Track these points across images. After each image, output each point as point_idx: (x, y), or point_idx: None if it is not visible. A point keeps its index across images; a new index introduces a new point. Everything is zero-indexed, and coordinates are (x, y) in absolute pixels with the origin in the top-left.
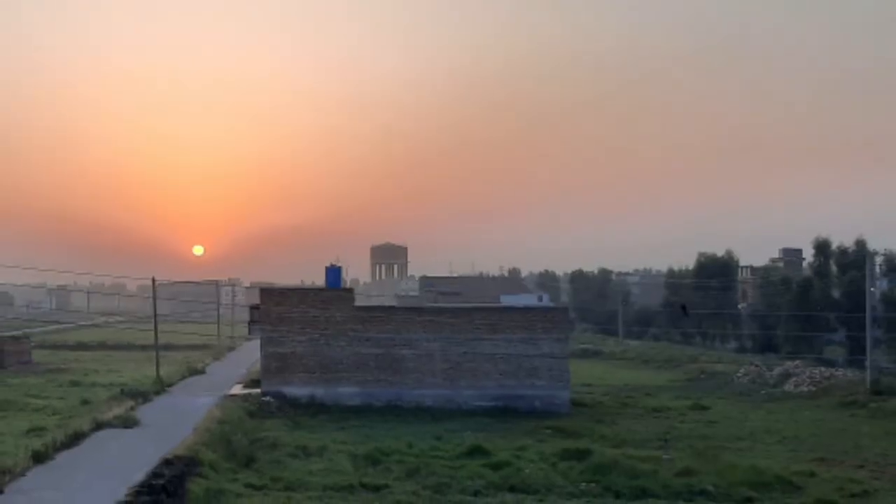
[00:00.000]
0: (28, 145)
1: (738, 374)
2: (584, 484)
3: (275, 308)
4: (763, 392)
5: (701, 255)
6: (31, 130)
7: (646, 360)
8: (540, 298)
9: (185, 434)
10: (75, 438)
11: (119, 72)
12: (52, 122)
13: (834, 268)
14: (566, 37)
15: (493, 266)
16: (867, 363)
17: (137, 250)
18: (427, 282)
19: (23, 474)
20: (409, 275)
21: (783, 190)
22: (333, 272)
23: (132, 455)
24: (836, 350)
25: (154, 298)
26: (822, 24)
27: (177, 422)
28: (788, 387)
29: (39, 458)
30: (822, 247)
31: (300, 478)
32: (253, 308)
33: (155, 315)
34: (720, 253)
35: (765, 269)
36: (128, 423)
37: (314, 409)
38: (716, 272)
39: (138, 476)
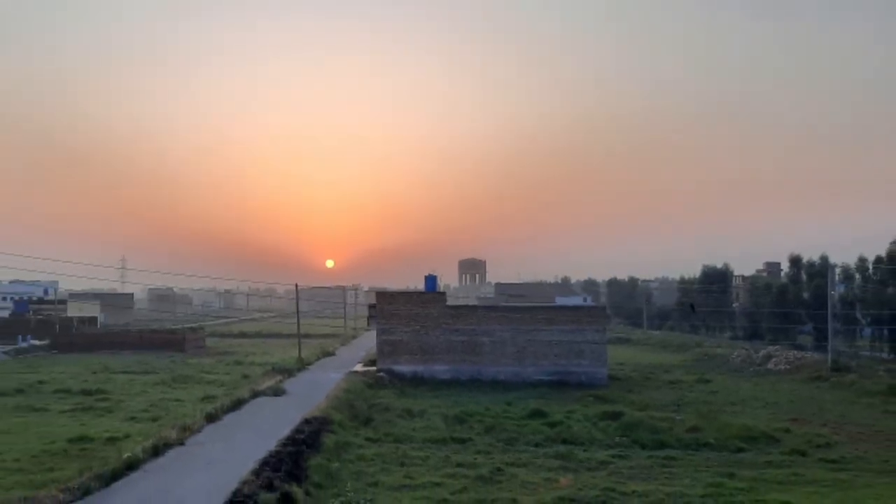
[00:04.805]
0: (204, 184)
1: (733, 356)
2: (617, 438)
3: (387, 306)
4: (751, 369)
5: (705, 266)
6: (206, 174)
7: (664, 345)
8: (585, 299)
9: (320, 400)
10: (238, 404)
11: (273, 129)
12: (223, 168)
13: (804, 276)
14: (604, 104)
15: (550, 275)
16: (829, 348)
17: (285, 263)
18: (501, 287)
19: (199, 430)
20: (487, 281)
21: (766, 217)
22: (430, 279)
23: (280, 416)
24: (805, 338)
25: (297, 299)
26: (795, 93)
27: (314, 391)
28: (770, 365)
29: (211, 418)
30: (795, 261)
31: (406, 433)
32: (370, 306)
33: (297, 311)
34: (719, 265)
35: (752, 277)
36: (277, 392)
37: (416, 382)
38: (716, 279)
39: (285, 432)
